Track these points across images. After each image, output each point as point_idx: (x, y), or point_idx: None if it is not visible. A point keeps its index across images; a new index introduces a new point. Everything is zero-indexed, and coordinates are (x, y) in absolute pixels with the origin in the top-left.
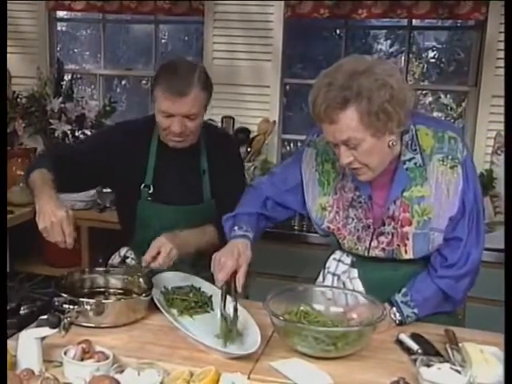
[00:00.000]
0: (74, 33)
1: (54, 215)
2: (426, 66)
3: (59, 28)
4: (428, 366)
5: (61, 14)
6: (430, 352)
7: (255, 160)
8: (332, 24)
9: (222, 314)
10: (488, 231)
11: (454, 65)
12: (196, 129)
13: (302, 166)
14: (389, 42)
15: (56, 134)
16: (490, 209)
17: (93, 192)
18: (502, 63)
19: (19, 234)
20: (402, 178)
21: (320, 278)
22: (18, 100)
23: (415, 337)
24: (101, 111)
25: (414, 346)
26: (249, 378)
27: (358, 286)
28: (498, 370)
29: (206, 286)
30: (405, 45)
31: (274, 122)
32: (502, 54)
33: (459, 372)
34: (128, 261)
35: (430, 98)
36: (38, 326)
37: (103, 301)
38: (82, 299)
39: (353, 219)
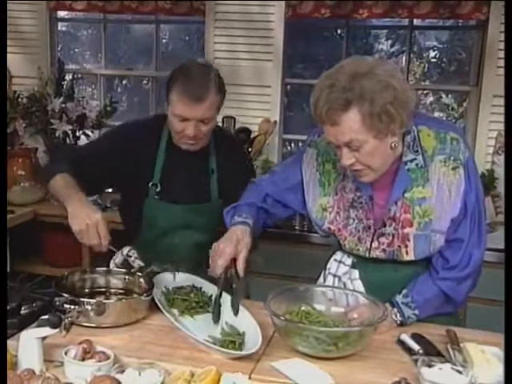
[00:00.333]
0: (75, 33)
1: (89, 218)
2: (427, 65)
3: (60, 28)
4: (429, 366)
5: (62, 13)
6: (432, 352)
7: (256, 160)
8: (333, 24)
9: (215, 301)
10: (489, 231)
11: (455, 64)
12: (209, 132)
13: (302, 167)
14: (390, 41)
15: (57, 134)
16: (491, 209)
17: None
18: (503, 63)
19: (19, 233)
20: (404, 179)
21: (321, 279)
22: (19, 100)
23: (416, 337)
24: (101, 111)
25: (415, 347)
26: (250, 378)
27: (359, 287)
28: (499, 371)
29: (206, 286)
30: (406, 44)
31: (275, 121)
32: (503, 54)
33: (460, 372)
34: (131, 260)
35: (431, 98)
36: (38, 326)
37: (104, 301)
38: (82, 299)
39: (353, 220)
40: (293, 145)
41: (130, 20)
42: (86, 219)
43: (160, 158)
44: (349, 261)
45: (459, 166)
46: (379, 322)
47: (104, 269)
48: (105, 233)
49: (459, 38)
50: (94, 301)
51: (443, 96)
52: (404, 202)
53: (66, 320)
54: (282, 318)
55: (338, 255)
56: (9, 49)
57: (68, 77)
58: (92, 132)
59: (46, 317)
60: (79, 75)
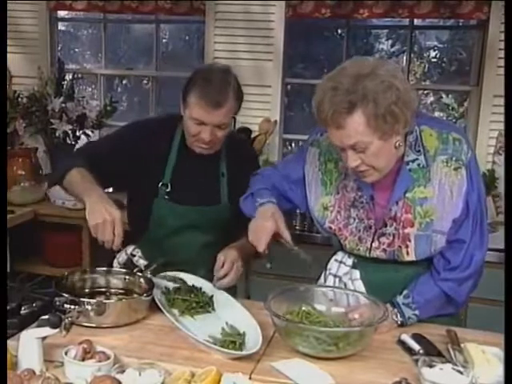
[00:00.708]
0: (75, 32)
1: (109, 213)
2: (427, 65)
3: (60, 28)
4: (430, 366)
5: (62, 13)
6: (432, 352)
7: None
8: (333, 24)
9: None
10: (490, 231)
11: (455, 64)
12: (224, 137)
13: (305, 166)
14: (390, 41)
15: (57, 134)
16: (492, 209)
17: None
18: (504, 63)
19: (19, 233)
20: (405, 179)
21: (321, 280)
22: (19, 100)
23: (417, 337)
24: (102, 111)
25: (416, 347)
26: (250, 378)
27: (360, 287)
28: (500, 371)
29: (207, 287)
30: (406, 44)
31: (275, 121)
32: (504, 54)
33: (461, 372)
34: (134, 259)
35: (431, 98)
36: (38, 326)
37: (104, 301)
38: (83, 299)
39: (354, 219)
40: (293, 144)
41: (130, 20)
42: (106, 214)
43: (172, 158)
44: (349, 261)
45: (461, 166)
46: (379, 322)
47: (104, 269)
48: (120, 231)
49: (460, 37)
50: (94, 301)
51: (444, 96)
52: (405, 202)
53: (66, 320)
54: (282, 318)
55: (339, 255)
56: (9, 48)
57: (68, 76)
58: (92, 132)
59: (46, 317)
60: (79, 75)
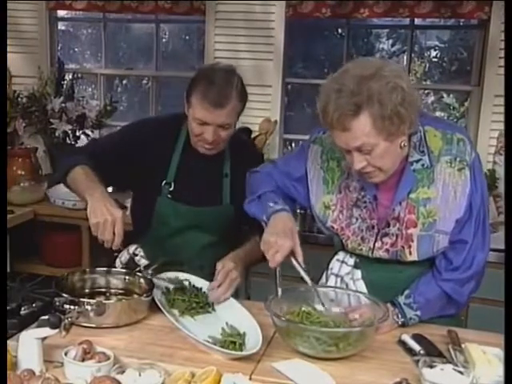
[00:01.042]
0: (75, 32)
1: (110, 213)
2: (428, 65)
3: (60, 27)
4: (430, 366)
5: (61, 13)
6: (433, 353)
7: None
8: (334, 23)
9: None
10: (491, 231)
11: (456, 64)
12: (227, 137)
13: (307, 164)
14: (391, 41)
15: (56, 134)
16: (493, 209)
17: None
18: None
19: (19, 233)
20: (409, 180)
21: (323, 279)
22: (19, 99)
23: (417, 338)
24: (101, 111)
25: (417, 347)
26: (250, 378)
27: (362, 287)
28: (501, 371)
29: (207, 287)
30: (407, 44)
31: (276, 121)
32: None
33: (462, 373)
34: (137, 258)
35: (432, 98)
36: (38, 327)
37: (104, 301)
38: (82, 299)
39: (357, 219)
40: (293, 144)
41: (130, 19)
42: (107, 214)
43: (175, 157)
44: (351, 261)
45: (465, 167)
46: (380, 322)
47: (104, 269)
48: (120, 231)
49: (461, 37)
50: (94, 301)
51: (444, 96)
52: (409, 202)
53: (66, 320)
54: (282, 318)
55: (341, 255)
56: (8, 48)
57: (68, 76)
58: (92, 132)
59: (46, 317)
60: (79, 75)
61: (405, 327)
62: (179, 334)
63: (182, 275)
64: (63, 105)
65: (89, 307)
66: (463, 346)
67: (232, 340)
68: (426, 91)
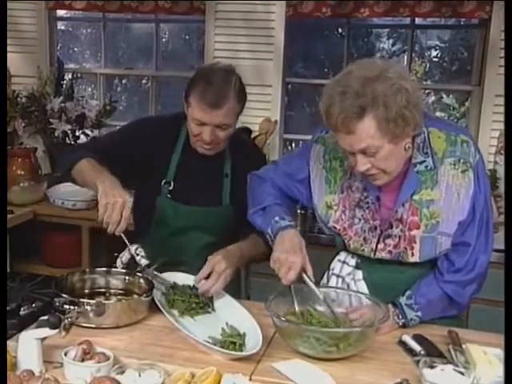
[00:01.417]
0: (75, 32)
1: (121, 196)
2: (428, 65)
3: (59, 27)
4: (431, 367)
5: (61, 12)
6: (433, 353)
7: None
8: (334, 23)
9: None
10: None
11: (457, 64)
12: (226, 138)
13: (310, 163)
14: (391, 40)
15: (56, 134)
16: (493, 209)
17: (93, 192)
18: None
19: (19, 234)
20: (412, 182)
21: (324, 280)
22: (18, 99)
23: (418, 338)
24: (101, 110)
25: (417, 348)
26: (250, 379)
27: (363, 287)
28: (501, 372)
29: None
30: (407, 44)
31: (276, 121)
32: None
33: (462, 373)
34: (137, 258)
35: (432, 98)
36: (38, 327)
37: (104, 301)
38: (82, 300)
39: (359, 220)
40: (293, 144)
41: (130, 19)
42: (118, 196)
43: (175, 156)
44: (353, 261)
45: (469, 169)
46: (380, 322)
47: (104, 269)
48: (127, 214)
49: (461, 37)
50: (93, 301)
51: (444, 96)
52: (412, 204)
53: (66, 321)
54: (282, 318)
55: (342, 256)
56: (8, 48)
57: (67, 76)
58: (91, 131)
59: (46, 317)
60: (79, 74)
61: (405, 328)
62: (179, 334)
63: (182, 275)
64: (63, 104)
65: (88, 307)
66: (464, 346)
67: (232, 340)
68: (427, 91)
